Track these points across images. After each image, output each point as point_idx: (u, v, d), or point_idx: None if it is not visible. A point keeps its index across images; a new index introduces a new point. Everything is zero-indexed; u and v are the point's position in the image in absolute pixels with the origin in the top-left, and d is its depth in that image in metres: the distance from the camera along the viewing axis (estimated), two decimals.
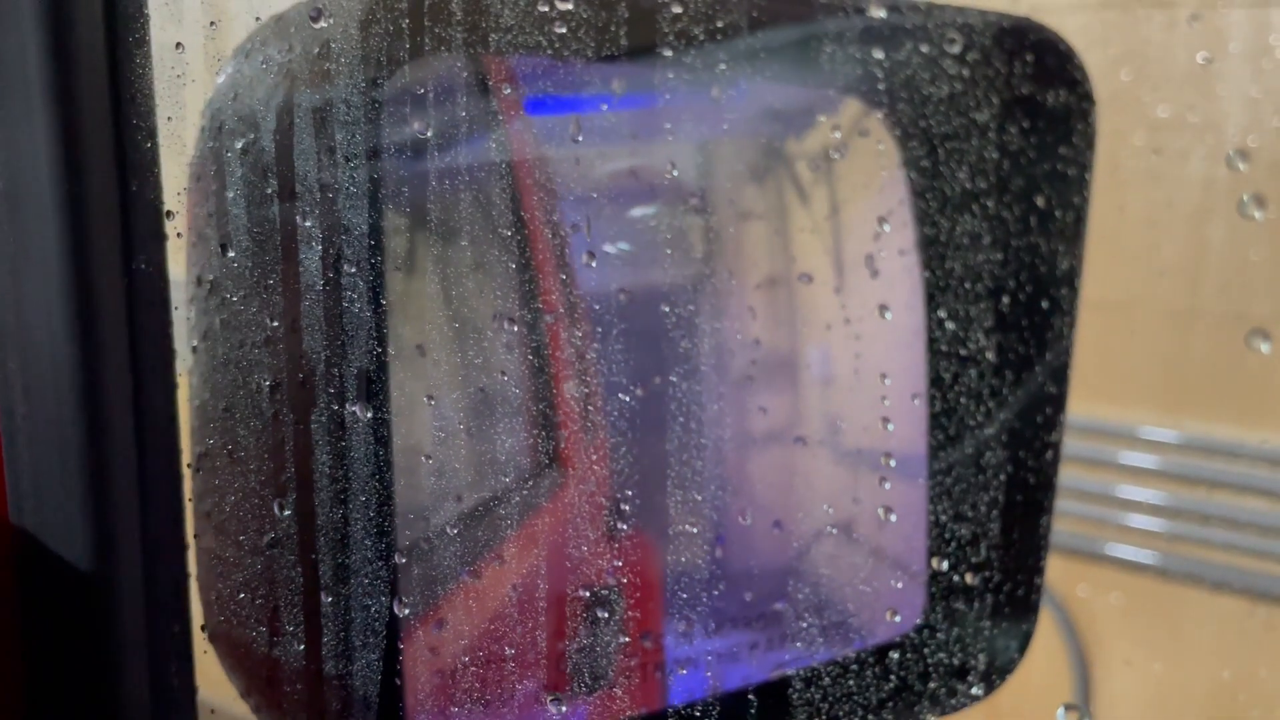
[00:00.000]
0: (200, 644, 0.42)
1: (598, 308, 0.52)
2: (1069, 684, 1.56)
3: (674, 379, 0.54)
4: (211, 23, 0.41)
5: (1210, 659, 1.51)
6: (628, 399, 0.52)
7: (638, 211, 0.56)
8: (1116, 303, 1.47)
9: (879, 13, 0.51)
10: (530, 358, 0.51)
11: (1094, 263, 0.62)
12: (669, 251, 0.56)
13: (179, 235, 0.38)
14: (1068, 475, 1.50)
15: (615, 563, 0.51)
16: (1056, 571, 0.65)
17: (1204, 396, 1.48)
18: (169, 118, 0.38)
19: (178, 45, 0.39)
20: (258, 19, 0.40)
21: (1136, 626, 1.58)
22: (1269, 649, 1.47)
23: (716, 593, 0.56)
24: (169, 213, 0.38)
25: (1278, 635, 1.46)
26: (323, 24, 0.39)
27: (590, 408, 0.53)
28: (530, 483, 0.51)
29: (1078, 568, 1.56)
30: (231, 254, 0.42)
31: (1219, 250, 1.43)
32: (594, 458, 0.53)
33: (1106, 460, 1.54)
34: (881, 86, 0.57)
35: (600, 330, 0.52)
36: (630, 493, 0.52)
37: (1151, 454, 1.52)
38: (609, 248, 0.54)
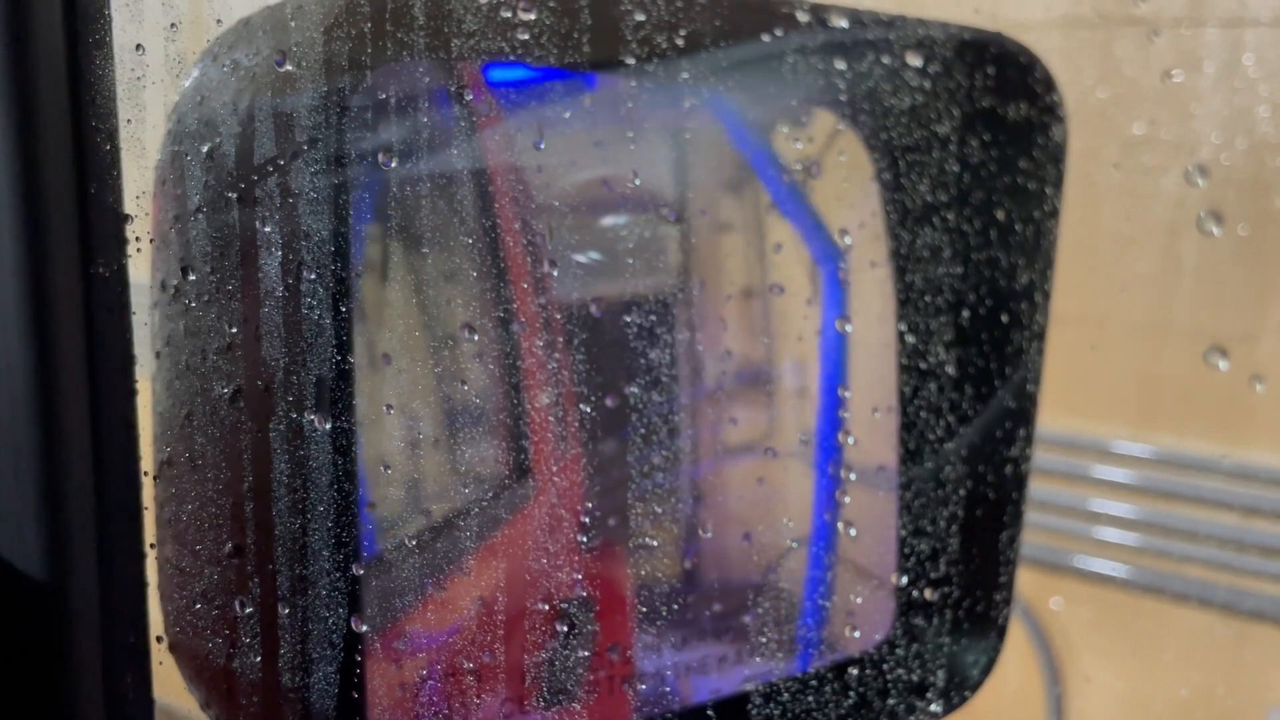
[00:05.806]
0: (158, 654, 0.42)
1: (569, 318, 0.51)
2: (1042, 689, 1.57)
3: (646, 390, 0.54)
4: (172, 25, 0.40)
5: (1182, 672, 1.51)
6: (598, 410, 0.52)
7: (609, 221, 0.55)
8: (1090, 318, 1.47)
9: (841, 22, 0.51)
10: (501, 368, 0.50)
11: (1067, 278, 0.62)
12: (641, 261, 0.56)
13: (137, 240, 0.38)
14: (1041, 489, 1.50)
15: (584, 575, 0.51)
16: (1029, 584, 0.64)
17: (1177, 411, 1.49)
18: (129, 120, 0.37)
19: (138, 47, 0.39)
20: (219, 21, 0.40)
21: (1109, 639, 1.58)
22: (1241, 662, 1.47)
23: (685, 605, 0.56)
24: (128, 217, 0.37)
25: (1248, 648, 1.46)
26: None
27: (561, 419, 0.52)
28: (499, 494, 0.51)
29: (1051, 581, 1.56)
30: (195, 259, 0.42)
31: (1191, 265, 1.44)
32: (564, 469, 0.52)
33: (1080, 474, 1.54)
34: (853, 99, 0.57)
35: (572, 341, 0.51)
36: (600, 505, 0.52)
37: (1125, 468, 1.53)
38: (580, 258, 0.53)
